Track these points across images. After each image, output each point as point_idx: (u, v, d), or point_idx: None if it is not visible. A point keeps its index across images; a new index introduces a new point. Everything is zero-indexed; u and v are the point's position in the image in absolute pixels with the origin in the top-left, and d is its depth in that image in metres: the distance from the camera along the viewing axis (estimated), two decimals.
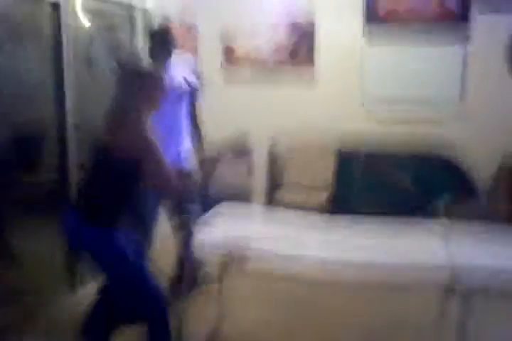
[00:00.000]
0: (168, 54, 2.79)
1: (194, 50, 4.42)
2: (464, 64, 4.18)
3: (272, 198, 4.13)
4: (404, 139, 4.26)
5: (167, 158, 2.06)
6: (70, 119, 2.94)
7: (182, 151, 2.91)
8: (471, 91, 4.20)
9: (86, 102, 3.00)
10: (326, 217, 2.67)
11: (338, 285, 3.06)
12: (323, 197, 4.01)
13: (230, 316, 2.79)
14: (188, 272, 2.30)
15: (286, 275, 3.12)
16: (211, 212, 2.63)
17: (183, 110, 2.89)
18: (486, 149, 4.14)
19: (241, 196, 4.28)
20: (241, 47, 4.53)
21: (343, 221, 2.58)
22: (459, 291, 1.98)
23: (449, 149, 4.21)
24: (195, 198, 3.01)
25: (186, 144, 2.97)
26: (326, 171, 4.28)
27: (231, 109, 4.45)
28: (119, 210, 2.12)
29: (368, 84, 4.34)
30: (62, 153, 2.96)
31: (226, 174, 4.17)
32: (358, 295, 3.00)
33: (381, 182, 4.17)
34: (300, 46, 4.45)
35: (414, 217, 2.56)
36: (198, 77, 3.00)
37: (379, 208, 3.95)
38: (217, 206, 2.72)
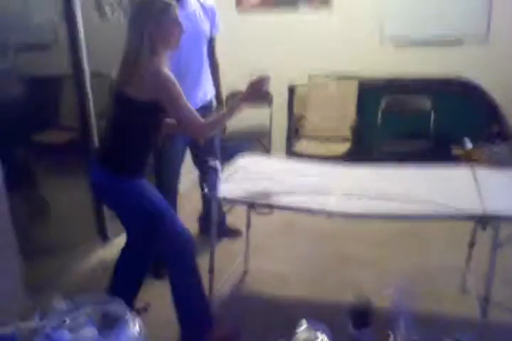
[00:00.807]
0: None
1: None
2: None
3: (293, 149, 4.03)
4: (423, 63, 4.11)
5: (187, 100, 1.95)
6: (87, 67, 2.87)
7: (204, 91, 2.79)
8: (495, 14, 4.02)
9: (101, 50, 2.89)
10: (349, 165, 2.61)
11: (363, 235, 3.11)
12: (345, 146, 3.93)
13: (255, 256, 2.86)
14: (213, 223, 2.27)
15: (309, 226, 3.16)
16: (232, 163, 2.59)
17: (203, 49, 2.74)
18: (510, 77, 3.97)
19: (261, 145, 4.23)
20: None
21: (366, 168, 2.54)
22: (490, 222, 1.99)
23: (471, 74, 4.04)
24: (217, 145, 2.94)
25: (208, 84, 2.85)
26: (348, 109, 4.17)
27: (245, 42, 4.32)
28: (143, 157, 2.05)
29: (385, 9, 4.18)
30: (82, 102, 2.91)
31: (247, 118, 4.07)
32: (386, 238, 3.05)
33: (403, 110, 4.04)
34: None
35: (437, 160, 2.52)
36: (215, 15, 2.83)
37: (402, 145, 3.88)
38: (238, 158, 2.68)
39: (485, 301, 2.05)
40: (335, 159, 3.67)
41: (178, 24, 1.97)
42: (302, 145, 4.02)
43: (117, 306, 1.00)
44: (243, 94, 2.03)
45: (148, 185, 2.09)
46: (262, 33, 4.39)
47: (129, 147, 2.01)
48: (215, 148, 2.93)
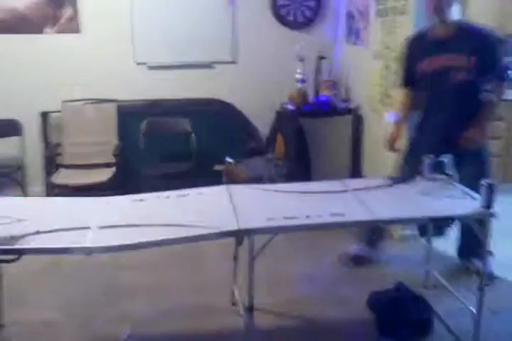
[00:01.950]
0: None
1: None
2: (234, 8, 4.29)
3: (51, 180, 3.75)
4: (179, 86, 4.25)
5: None
6: None
7: None
8: (241, 40, 4.36)
9: None
10: (108, 195, 2.52)
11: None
12: (109, 172, 3.79)
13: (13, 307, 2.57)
14: None
15: (73, 264, 2.96)
16: None
17: None
18: (259, 96, 4.37)
19: (13, 179, 3.86)
20: None
21: (125, 197, 2.47)
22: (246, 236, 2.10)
23: (224, 95, 4.34)
24: None
25: None
26: (109, 134, 4.06)
27: None
28: None
29: (137, 34, 4.21)
30: None
31: None
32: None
33: (164, 133, 4.13)
34: None
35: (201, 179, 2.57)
36: None
37: (166, 168, 3.94)
38: None
39: (248, 310, 2.16)
40: (99, 187, 3.54)
41: None
42: (61, 176, 3.76)
43: None
44: None
45: None
46: (3, 57, 4.02)
47: None
48: None
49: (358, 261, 3.07)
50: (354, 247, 3.14)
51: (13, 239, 1.98)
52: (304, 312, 2.59)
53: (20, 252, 1.97)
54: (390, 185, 2.52)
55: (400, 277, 2.72)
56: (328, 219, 2.14)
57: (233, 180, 3.75)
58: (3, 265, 2.36)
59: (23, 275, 2.82)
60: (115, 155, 3.84)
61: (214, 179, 3.71)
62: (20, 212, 2.26)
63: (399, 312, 2.41)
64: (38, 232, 2.05)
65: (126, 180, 3.80)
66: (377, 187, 2.51)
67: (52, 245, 1.97)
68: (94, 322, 2.53)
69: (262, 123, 4.42)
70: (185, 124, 4.12)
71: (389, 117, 3.44)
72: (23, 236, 2.00)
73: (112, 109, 4.06)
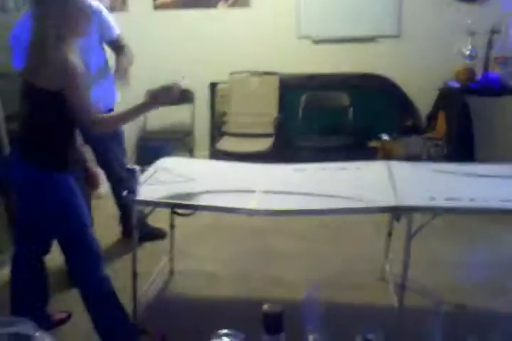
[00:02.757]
0: None
1: None
2: None
3: (216, 147, 4.00)
4: (340, 60, 4.21)
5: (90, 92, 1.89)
6: None
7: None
8: (406, 13, 4.18)
9: (6, 48, 2.71)
10: (270, 162, 2.65)
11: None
12: (268, 142, 3.95)
13: (181, 257, 2.83)
14: (133, 226, 2.21)
15: (234, 225, 3.17)
16: (153, 165, 2.53)
17: (97, 55, 2.65)
18: (421, 72, 4.16)
19: (184, 143, 4.20)
20: None
21: (286, 165, 2.58)
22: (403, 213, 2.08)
23: (385, 70, 4.20)
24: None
25: (108, 92, 2.76)
26: (270, 105, 4.20)
27: (163, 39, 4.31)
28: (65, 149, 1.96)
29: (302, 8, 4.25)
30: None
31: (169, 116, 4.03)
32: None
33: (322, 106, 4.13)
34: None
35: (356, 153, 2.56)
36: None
37: (322, 140, 3.97)
38: (159, 159, 2.62)
39: (401, 288, 2.14)
40: (258, 155, 3.72)
41: (82, 10, 1.88)
42: (225, 143, 4.02)
43: (24, 325, 0.94)
44: (150, 96, 1.96)
45: (76, 187, 1.99)
46: (181, 30, 4.34)
47: (49, 139, 1.91)
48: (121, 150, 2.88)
49: None
50: None
51: (189, 195, 2.21)
52: (459, 299, 2.45)
53: (195, 208, 2.18)
54: None
55: None
56: (496, 204, 2.03)
57: (388, 157, 3.68)
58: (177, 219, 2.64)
59: (188, 232, 3.11)
60: (275, 126, 3.98)
61: (368, 155, 3.69)
62: (191, 173, 2.50)
63: None
64: (207, 192, 2.26)
65: (283, 150, 3.93)
66: None
67: (222, 204, 2.15)
68: (249, 279, 2.72)
69: (423, 100, 4.23)
70: (343, 99, 4.11)
71: None
72: (196, 194, 2.22)
73: (274, 82, 4.20)
